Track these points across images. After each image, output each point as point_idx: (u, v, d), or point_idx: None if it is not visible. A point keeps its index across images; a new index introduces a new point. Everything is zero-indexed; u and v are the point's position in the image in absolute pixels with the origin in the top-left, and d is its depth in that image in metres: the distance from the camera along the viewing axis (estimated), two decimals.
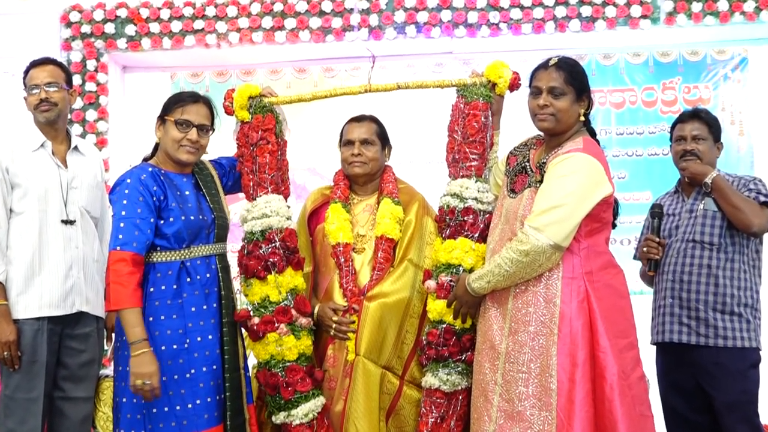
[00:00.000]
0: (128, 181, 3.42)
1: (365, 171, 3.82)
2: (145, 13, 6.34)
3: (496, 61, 3.69)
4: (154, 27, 6.32)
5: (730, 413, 3.77)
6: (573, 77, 3.34)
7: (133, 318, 3.28)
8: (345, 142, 3.87)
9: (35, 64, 3.95)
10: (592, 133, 3.44)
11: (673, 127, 4.09)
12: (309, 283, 3.77)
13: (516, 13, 6.09)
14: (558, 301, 3.19)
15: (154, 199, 3.40)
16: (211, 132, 3.61)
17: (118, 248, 3.30)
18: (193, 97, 3.59)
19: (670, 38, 6.34)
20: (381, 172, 3.90)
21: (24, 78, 3.96)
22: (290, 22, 6.24)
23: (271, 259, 3.55)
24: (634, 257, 4.21)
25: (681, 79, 6.73)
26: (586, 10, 6.05)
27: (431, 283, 3.56)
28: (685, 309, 3.85)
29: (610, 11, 6.05)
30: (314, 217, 3.90)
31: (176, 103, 3.55)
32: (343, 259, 3.71)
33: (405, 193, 3.86)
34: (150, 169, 3.49)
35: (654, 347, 4.04)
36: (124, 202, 3.37)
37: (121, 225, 3.33)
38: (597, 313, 3.18)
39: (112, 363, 3.66)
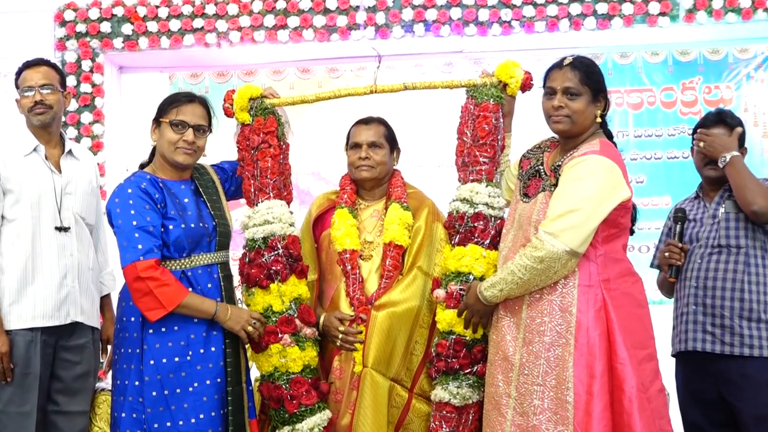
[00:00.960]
0: (129, 190, 3.45)
1: (373, 175, 3.83)
2: (142, 11, 6.35)
3: (507, 60, 3.70)
4: (152, 26, 6.33)
5: (758, 426, 3.74)
6: (589, 77, 3.34)
7: (194, 299, 3.42)
8: (352, 145, 3.88)
9: (28, 65, 3.96)
10: (609, 135, 3.45)
11: (695, 131, 4.06)
12: (314, 291, 3.77)
13: (529, 11, 6.09)
14: (574, 310, 3.19)
15: (159, 206, 3.44)
16: (208, 133, 3.63)
17: (142, 258, 3.34)
18: (189, 97, 3.62)
19: (690, 36, 6.34)
20: (389, 176, 3.91)
21: (16, 79, 3.97)
22: (293, 21, 6.25)
23: (273, 268, 3.56)
24: (652, 265, 4.20)
25: (701, 78, 6.71)
26: (602, 7, 6.05)
27: (440, 292, 3.57)
28: (709, 316, 3.82)
29: (627, 8, 6.04)
30: (319, 223, 3.91)
31: (171, 104, 3.58)
32: (349, 267, 3.72)
33: (414, 198, 3.86)
34: (148, 176, 3.52)
35: (673, 359, 4.03)
36: (132, 212, 3.40)
37: (136, 235, 3.36)
38: (615, 323, 3.18)
39: (109, 376, 3.66)
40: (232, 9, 6.30)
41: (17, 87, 3.95)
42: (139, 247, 3.35)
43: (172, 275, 3.40)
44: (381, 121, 3.92)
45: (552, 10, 6.08)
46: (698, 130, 3.99)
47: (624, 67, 6.75)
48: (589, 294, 3.20)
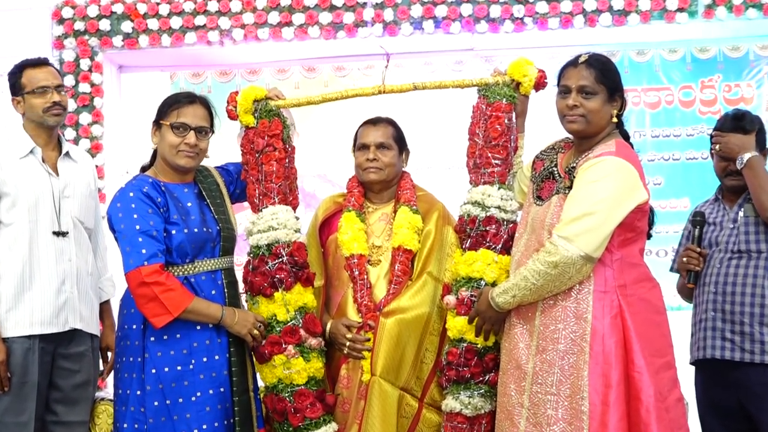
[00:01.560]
0: (131, 194, 3.46)
1: (381, 177, 3.83)
2: (142, 8, 6.36)
3: (520, 58, 3.69)
4: (153, 23, 6.35)
5: None
6: (604, 75, 3.34)
7: (200, 304, 3.44)
8: (359, 147, 3.87)
9: (33, 64, 3.96)
10: (626, 136, 3.44)
11: (713, 135, 4.04)
12: (320, 297, 3.77)
13: (542, 7, 6.10)
14: (589, 317, 3.18)
15: (161, 210, 3.45)
16: (210, 134, 3.63)
17: (146, 263, 3.34)
18: (189, 98, 3.62)
19: (709, 33, 6.33)
20: (398, 178, 3.91)
21: (17, 79, 3.94)
22: (298, 18, 6.26)
23: (278, 276, 3.55)
24: (671, 269, 4.20)
25: (721, 76, 6.70)
26: (618, 3, 6.06)
27: (451, 299, 3.56)
28: (728, 323, 3.81)
29: (644, 4, 6.05)
30: (326, 227, 3.91)
31: (171, 106, 3.58)
32: (357, 272, 3.71)
33: (424, 201, 3.86)
34: (150, 180, 3.53)
35: (693, 367, 4.02)
36: (135, 216, 3.40)
37: (140, 239, 3.37)
38: (631, 330, 3.17)
39: (109, 385, 3.67)
40: (235, 6, 6.31)
41: (18, 87, 3.92)
42: (143, 251, 3.35)
43: (176, 280, 3.41)
44: (389, 122, 3.92)
45: (566, 6, 6.08)
46: (713, 132, 3.98)
47: (641, 65, 6.75)
48: (605, 300, 3.20)
